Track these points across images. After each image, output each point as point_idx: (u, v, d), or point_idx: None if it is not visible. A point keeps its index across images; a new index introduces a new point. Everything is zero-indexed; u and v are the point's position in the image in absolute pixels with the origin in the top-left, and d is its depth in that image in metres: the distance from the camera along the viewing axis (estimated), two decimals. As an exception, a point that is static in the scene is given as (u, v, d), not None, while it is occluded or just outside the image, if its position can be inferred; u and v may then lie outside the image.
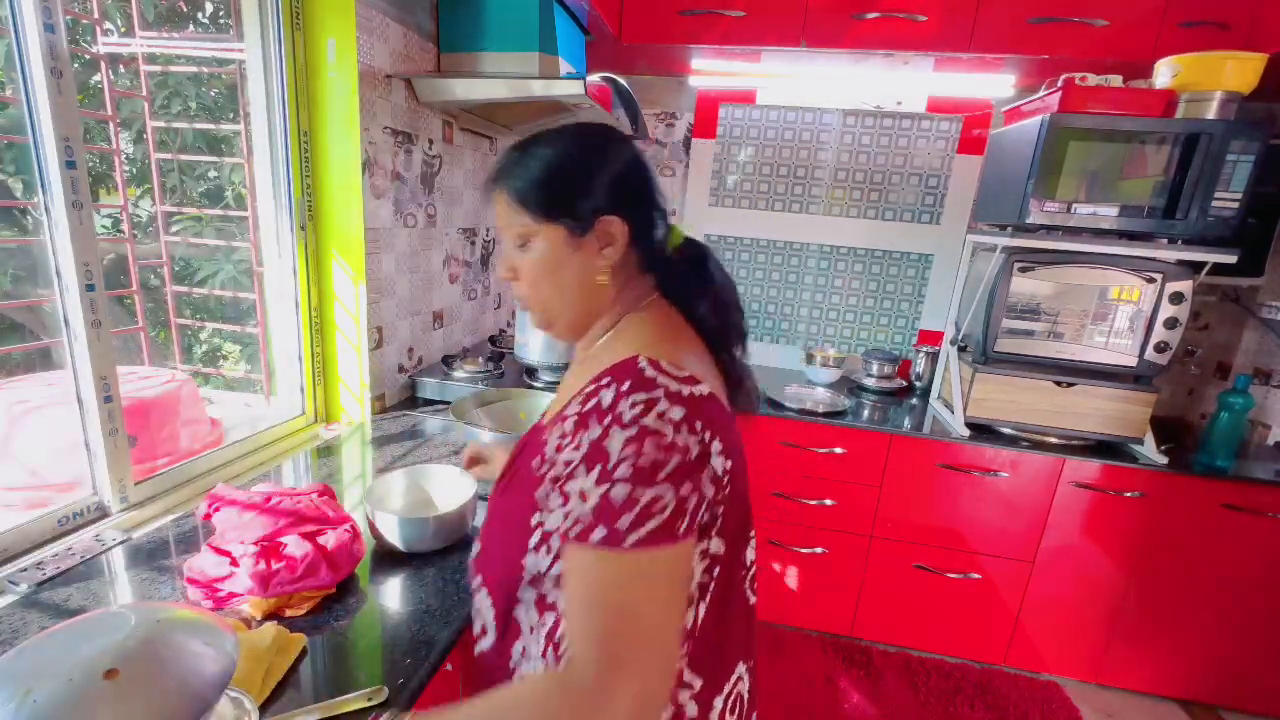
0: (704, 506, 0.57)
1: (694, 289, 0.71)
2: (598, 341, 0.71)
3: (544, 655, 0.64)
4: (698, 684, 0.64)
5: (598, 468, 0.54)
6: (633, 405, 0.55)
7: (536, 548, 0.63)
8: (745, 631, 0.71)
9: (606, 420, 0.55)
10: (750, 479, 0.68)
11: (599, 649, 0.51)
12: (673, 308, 0.71)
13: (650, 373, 0.57)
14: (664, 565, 0.54)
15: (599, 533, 0.53)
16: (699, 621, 0.62)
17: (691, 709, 0.63)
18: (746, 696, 0.71)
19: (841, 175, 2.32)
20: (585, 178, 0.66)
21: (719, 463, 0.58)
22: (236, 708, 0.60)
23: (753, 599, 0.72)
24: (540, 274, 0.69)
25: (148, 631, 0.51)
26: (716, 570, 0.63)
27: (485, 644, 0.72)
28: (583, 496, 0.54)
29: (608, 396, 0.57)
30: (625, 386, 0.57)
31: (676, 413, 0.55)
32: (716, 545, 0.62)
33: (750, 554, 0.71)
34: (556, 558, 0.61)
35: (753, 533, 0.71)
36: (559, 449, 0.58)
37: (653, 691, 0.52)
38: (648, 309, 0.70)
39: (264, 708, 0.67)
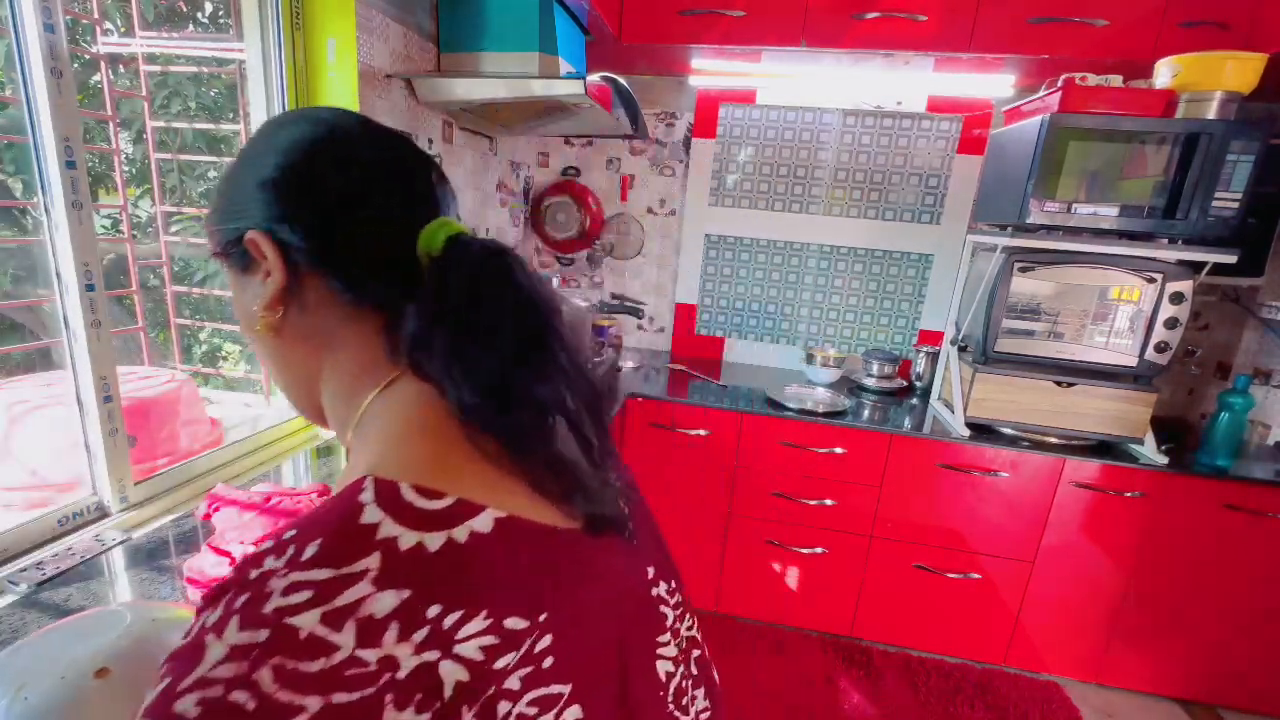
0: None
1: (458, 338, 0.39)
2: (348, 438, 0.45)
3: None
4: None
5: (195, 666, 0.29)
6: (285, 590, 0.30)
7: None
8: None
9: (226, 619, 0.30)
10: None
11: None
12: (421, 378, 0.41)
13: (370, 515, 0.33)
14: None
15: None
16: None
17: None
18: None
19: (841, 175, 2.32)
20: (233, 184, 0.46)
21: (456, 660, 0.31)
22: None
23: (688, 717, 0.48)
24: (242, 323, 0.48)
25: (142, 630, 0.51)
26: None
27: None
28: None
29: (248, 556, 0.33)
30: (270, 564, 0.31)
31: (346, 596, 0.30)
32: None
33: (663, 672, 0.46)
34: None
35: (663, 651, 0.46)
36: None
37: None
38: (399, 387, 0.43)
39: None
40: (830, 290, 2.43)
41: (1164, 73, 1.62)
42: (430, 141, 1.70)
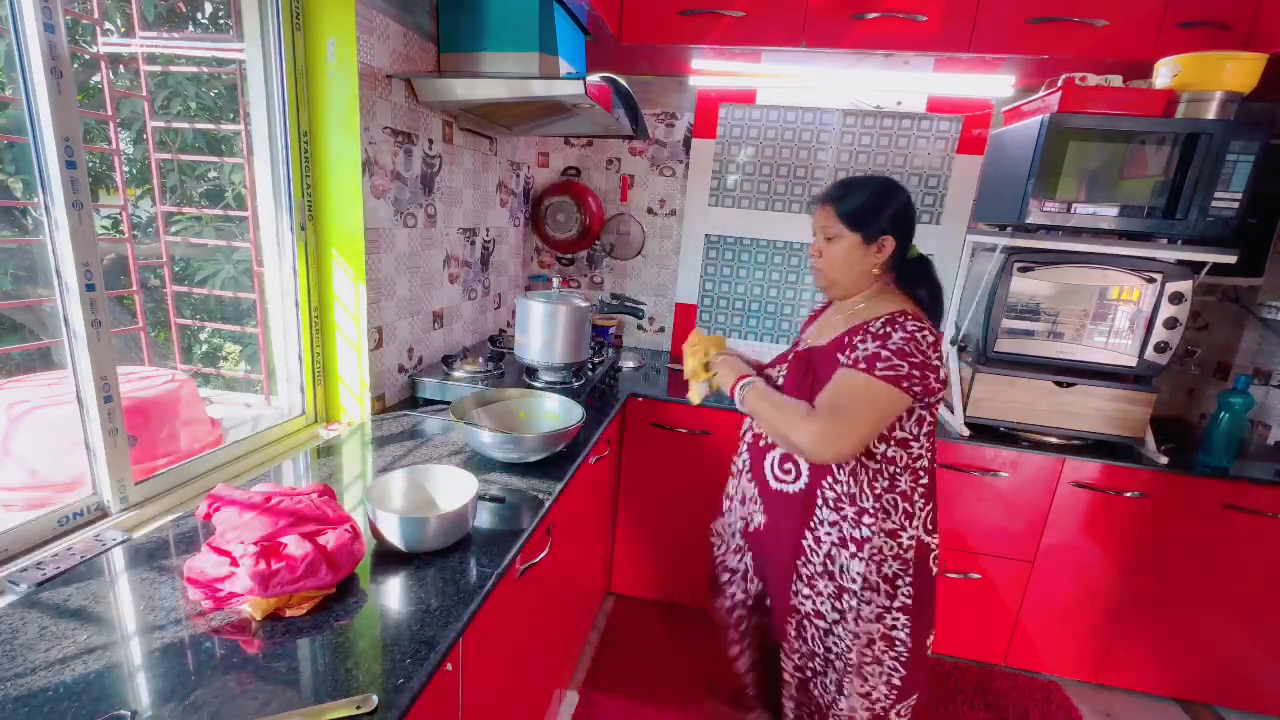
0: (925, 388, 1.04)
1: (919, 282, 1.18)
2: (859, 305, 1.17)
3: (847, 480, 1.13)
4: (926, 508, 1.16)
5: (879, 344, 1.05)
6: (909, 329, 1.05)
7: None
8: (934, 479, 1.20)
9: (904, 330, 1.05)
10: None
11: (833, 413, 1.05)
12: (904, 292, 1.17)
13: (913, 319, 1.07)
14: (883, 398, 1.03)
15: (861, 365, 1.05)
16: (925, 454, 1.14)
17: (919, 522, 1.15)
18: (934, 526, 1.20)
19: (841, 175, 2.32)
20: (878, 211, 1.13)
21: (942, 372, 1.06)
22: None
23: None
24: (837, 258, 1.16)
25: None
26: (928, 427, 1.13)
27: (795, 486, 1.19)
28: (880, 357, 1.04)
29: (900, 321, 1.06)
30: (911, 322, 1.06)
31: (930, 338, 1.06)
32: (929, 416, 1.12)
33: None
34: None
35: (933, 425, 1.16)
36: (874, 337, 1.07)
37: (839, 439, 1.04)
38: (894, 290, 1.17)
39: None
40: (830, 290, 2.43)
41: (1164, 73, 1.62)
42: (430, 142, 1.70)
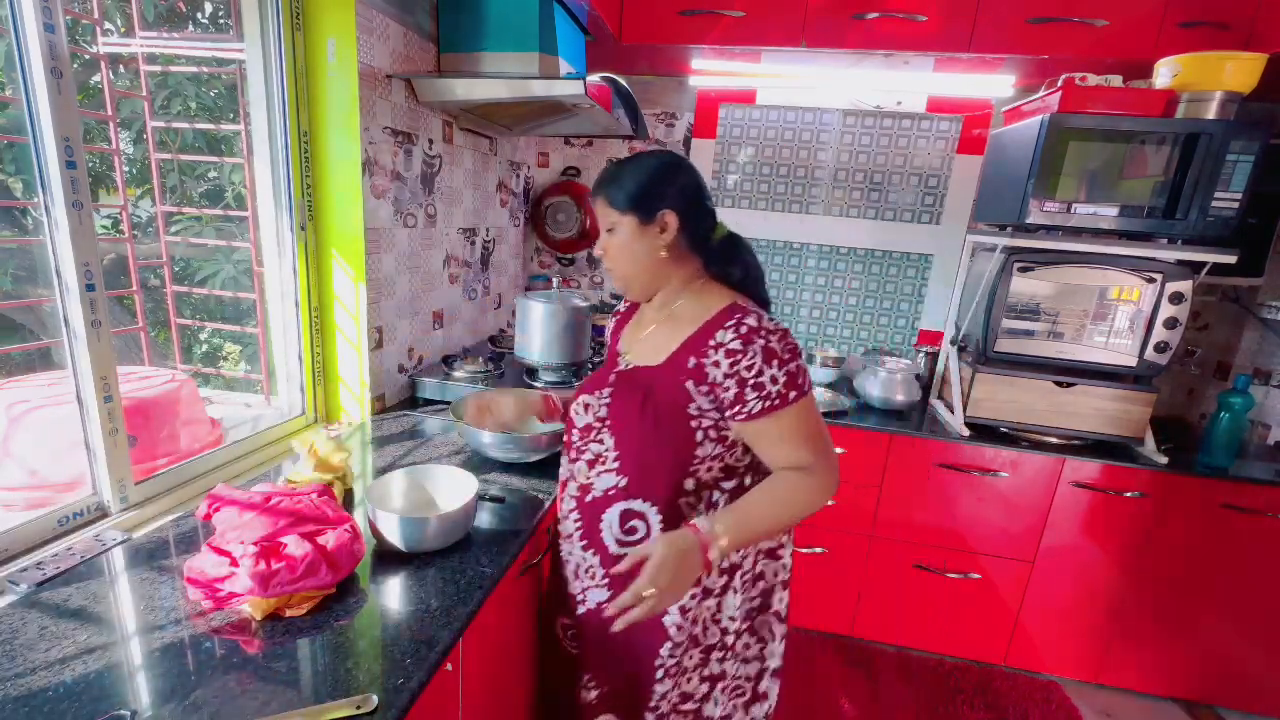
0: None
1: (731, 262, 1.01)
2: (677, 303, 1.01)
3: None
4: None
5: (775, 361, 0.88)
6: (766, 328, 0.90)
7: (702, 441, 0.94)
8: None
9: (762, 337, 0.89)
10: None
11: (814, 451, 0.91)
12: (718, 279, 1.01)
13: (753, 314, 0.91)
14: (812, 407, 0.92)
15: (794, 393, 0.89)
16: (741, 463, 1.01)
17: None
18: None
19: (841, 175, 2.32)
20: (651, 186, 0.97)
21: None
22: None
23: None
24: (621, 250, 1.01)
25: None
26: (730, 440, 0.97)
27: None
28: (773, 380, 0.88)
29: (749, 324, 0.90)
30: (753, 319, 0.90)
31: (780, 329, 0.91)
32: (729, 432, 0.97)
33: None
34: (718, 439, 0.94)
35: None
36: (733, 364, 0.89)
37: (837, 464, 0.94)
38: (707, 279, 1.01)
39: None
40: (830, 290, 2.43)
41: (1164, 73, 1.62)
42: (430, 142, 1.70)
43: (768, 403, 0.88)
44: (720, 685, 1.05)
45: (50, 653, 0.73)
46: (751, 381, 0.88)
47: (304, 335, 1.49)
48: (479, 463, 1.36)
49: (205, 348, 3.25)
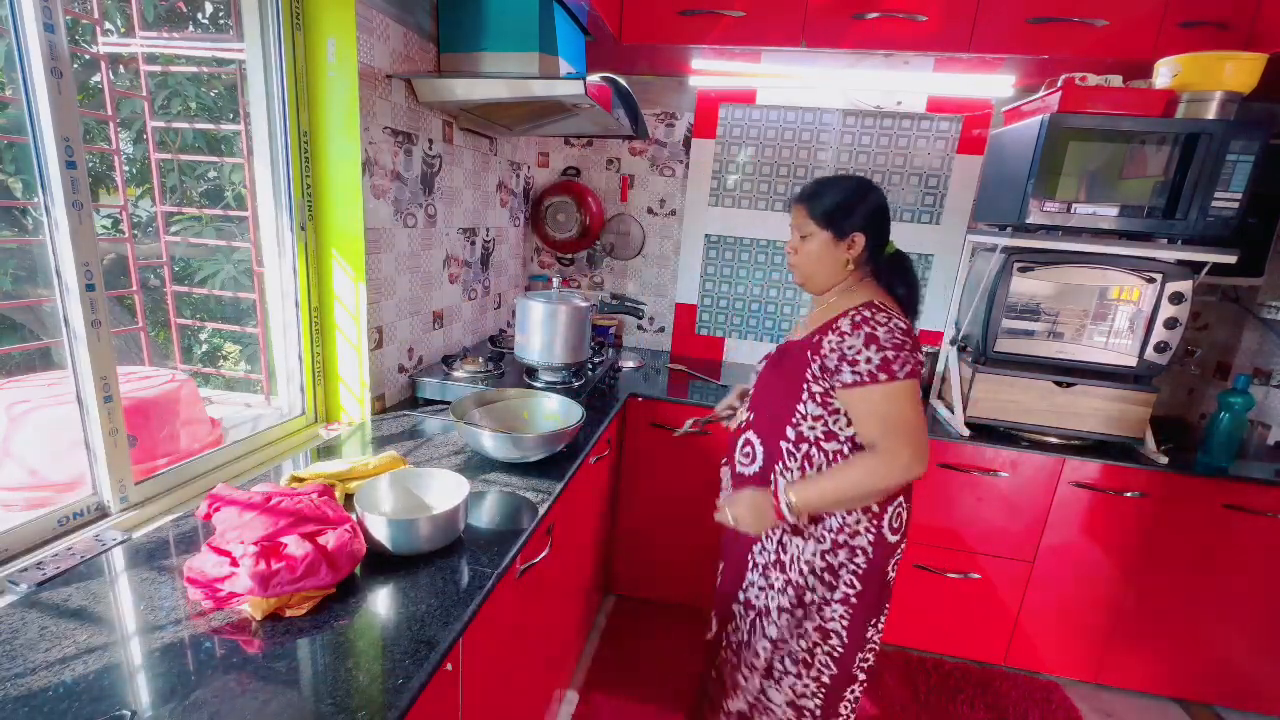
0: (919, 367, 1.08)
1: (895, 278, 1.19)
2: (831, 298, 1.19)
3: (796, 469, 1.16)
4: (891, 506, 1.18)
5: (874, 345, 1.06)
6: (878, 320, 1.07)
7: (806, 400, 1.14)
8: None
9: (869, 325, 1.07)
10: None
11: (886, 432, 1.07)
12: (881, 287, 1.19)
13: (880, 310, 1.09)
14: (910, 389, 1.06)
15: (884, 375, 1.05)
16: None
17: (885, 523, 1.17)
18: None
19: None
20: (849, 209, 1.15)
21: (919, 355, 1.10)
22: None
23: None
24: (810, 255, 1.19)
25: None
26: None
27: (752, 469, 1.22)
28: (868, 360, 1.05)
29: (865, 314, 1.08)
30: (869, 311, 1.08)
31: (900, 324, 1.08)
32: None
33: None
34: (822, 403, 1.13)
35: None
36: (840, 341, 1.08)
37: (917, 452, 1.06)
38: (868, 283, 1.18)
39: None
40: (830, 290, 2.43)
41: (1164, 73, 1.62)
42: (430, 142, 1.70)
43: (857, 378, 1.06)
44: (785, 619, 1.24)
45: (50, 653, 0.73)
46: (849, 357, 1.07)
47: (304, 335, 1.49)
48: (479, 463, 1.36)
49: (205, 348, 3.25)
